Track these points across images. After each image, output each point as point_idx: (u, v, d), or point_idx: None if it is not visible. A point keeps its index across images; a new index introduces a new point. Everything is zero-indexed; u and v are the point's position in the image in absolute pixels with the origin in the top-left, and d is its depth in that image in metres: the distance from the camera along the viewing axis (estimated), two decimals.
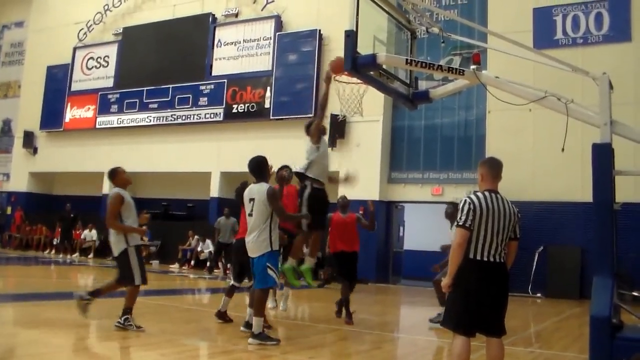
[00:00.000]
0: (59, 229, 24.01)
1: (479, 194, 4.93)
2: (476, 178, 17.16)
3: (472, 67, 6.85)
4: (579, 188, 15.44)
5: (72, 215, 23.66)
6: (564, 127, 5.93)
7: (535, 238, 15.81)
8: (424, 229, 18.85)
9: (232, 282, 8.66)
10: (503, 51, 8.63)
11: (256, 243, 7.05)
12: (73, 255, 22.89)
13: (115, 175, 7.91)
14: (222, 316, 8.45)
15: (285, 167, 9.70)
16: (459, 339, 4.80)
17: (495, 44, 12.10)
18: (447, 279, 4.92)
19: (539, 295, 15.58)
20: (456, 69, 7.04)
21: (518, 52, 8.25)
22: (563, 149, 6.54)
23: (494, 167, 5.15)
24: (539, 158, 16.30)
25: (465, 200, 4.89)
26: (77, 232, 23.57)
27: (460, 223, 4.81)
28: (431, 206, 17.68)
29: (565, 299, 14.76)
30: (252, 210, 7.19)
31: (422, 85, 8.27)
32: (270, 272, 6.92)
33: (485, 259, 4.80)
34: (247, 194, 7.38)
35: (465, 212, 4.82)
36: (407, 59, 6.88)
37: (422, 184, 18.37)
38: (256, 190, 7.26)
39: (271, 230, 7.04)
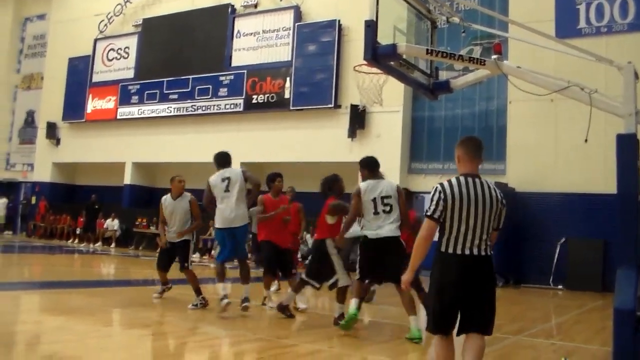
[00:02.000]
0: (82, 219, 24.25)
1: (453, 179, 4.34)
2: (497, 169, 17.19)
3: (494, 57, 6.78)
4: (601, 179, 15.26)
5: (96, 206, 23.90)
6: (587, 118, 5.85)
7: (557, 229, 15.66)
8: None
9: (304, 277, 7.94)
10: (524, 41, 8.55)
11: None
12: (96, 245, 23.09)
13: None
14: (284, 309, 7.99)
15: (279, 177, 9.70)
16: (437, 339, 4.37)
17: (516, 33, 11.98)
18: (407, 274, 4.47)
19: (560, 287, 15.41)
20: (477, 58, 6.96)
21: (540, 42, 8.15)
22: (586, 140, 6.45)
23: (471, 147, 4.46)
24: (561, 149, 16.10)
25: (436, 188, 4.31)
26: (100, 222, 23.75)
27: (428, 213, 4.26)
28: None
29: (587, 291, 14.60)
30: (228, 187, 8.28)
31: (443, 75, 8.14)
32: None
33: (461, 252, 4.23)
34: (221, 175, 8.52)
35: (434, 201, 4.27)
36: (427, 49, 6.81)
37: (442, 175, 18.21)
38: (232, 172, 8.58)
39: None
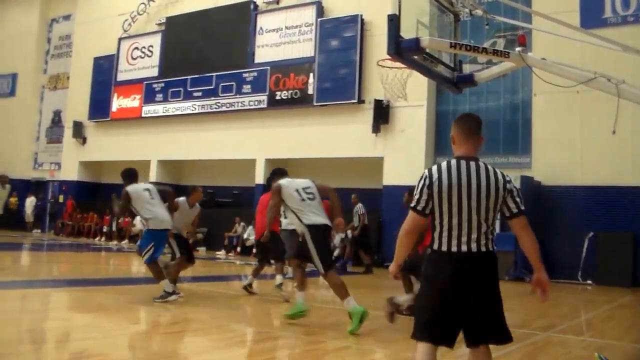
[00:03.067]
0: (108, 217, 24.48)
1: (443, 163, 3.70)
2: (522, 162, 17.05)
3: (518, 49, 6.71)
4: (629, 171, 15.08)
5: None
6: (614, 109, 5.77)
7: (585, 223, 15.45)
8: None
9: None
10: (549, 32, 8.45)
11: None
12: (122, 242, 23.27)
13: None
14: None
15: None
16: (420, 347, 3.64)
17: (540, 24, 11.88)
18: (392, 265, 3.91)
19: (589, 282, 15.17)
20: (501, 51, 6.91)
21: (564, 33, 8.06)
22: (614, 131, 6.38)
23: (465, 126, 3.81)
24: (588, 141, 15.87)
25: (422, 174, 3.71)
26: (126, 220, 23.92)
27: (412, 205, 3.68)
28: None
29: (617, 287, 14.37)
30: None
31: (466, 68, 8.08)
32: None
33: (455, 248, 3.57)
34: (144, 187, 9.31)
35: (418, 189, 3.67)
36: (451, 42, 6.77)
37: None
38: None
39: None
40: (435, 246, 3.64)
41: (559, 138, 16.32)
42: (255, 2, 22.30)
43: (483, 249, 3.59)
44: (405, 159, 18.17)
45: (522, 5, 12.18)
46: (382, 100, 18.33)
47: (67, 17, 30.25)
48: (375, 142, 18.94)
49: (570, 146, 16.12)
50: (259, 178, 21.37)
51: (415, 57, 6.79)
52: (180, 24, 24.24)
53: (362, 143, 19.16)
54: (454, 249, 3.58)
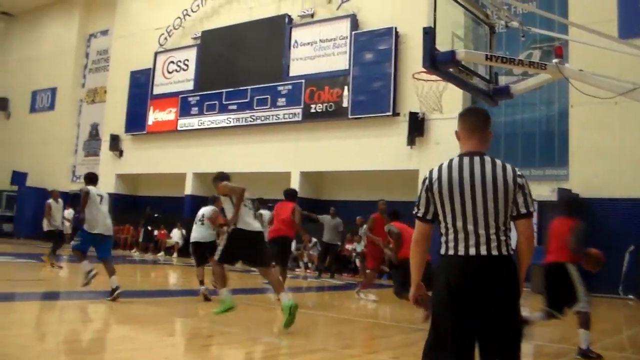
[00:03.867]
0: (141, 229, 24.76)
1: (445, 162, 3.40)
2: (559, 174, 16.82)
3: (554, 60, 6.68)
4: None
5: (155, 215, 24.40)
6: None
7: (625, 236, 15.15)
8: None
9: (547, 309, 7.13)
10: (586, 43, 8.37)
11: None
12: (158, 255, 23.50)
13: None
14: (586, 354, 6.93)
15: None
16: None
17: (577, 35, 11.76)
18: (412, 288, 3.49)
19: (630, 297, 14.89)
20: (538, 63, 6.88)
21: (601, 43, 7.99)
22: None
23: (470, 120, 3.49)
24: (626, 152, 15.61)
25: (424, 177, 3.44)
26: (162, 232, 24.17)
27: (414, 212, 3.43)
28: None
29: None
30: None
31: (502, 80, 8.06)
32: None
33: (463, 252, 3.22)
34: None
35: (418, 195, 3.42)
36: (486, 55, 6.75)
37: None
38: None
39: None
40: (443, 251, 3.31)
41: (597, 149, 16.10)
42: (289, 16, 22.48)
43: (494, 252, 3.20)
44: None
45: (558, 17, 12.11)
46: (417, 113, 18.31)
47: (104, 32, 30.82)
48: (410, 154, 18.91)
49: (609, 158, 15.88)
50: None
51: (451, 69, 6.78)
52: (216, 38, 24.53)
53: (396, 156, 19.13)
54: (461, 252, 3.23)
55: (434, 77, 10.76)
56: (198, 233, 10.91)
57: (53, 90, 32.19)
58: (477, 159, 3.31)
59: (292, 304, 7.43)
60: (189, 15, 25.66)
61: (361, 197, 20.39)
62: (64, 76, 31.64)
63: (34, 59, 32.88)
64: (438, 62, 6.41)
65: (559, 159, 16.91)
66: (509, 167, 3.31)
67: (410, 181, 18.82)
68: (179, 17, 25.91)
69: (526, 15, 14.78)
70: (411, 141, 18.75)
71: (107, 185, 27.72)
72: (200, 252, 10.75)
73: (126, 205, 27.45)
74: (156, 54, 26.63)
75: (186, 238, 23.43)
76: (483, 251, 3.20)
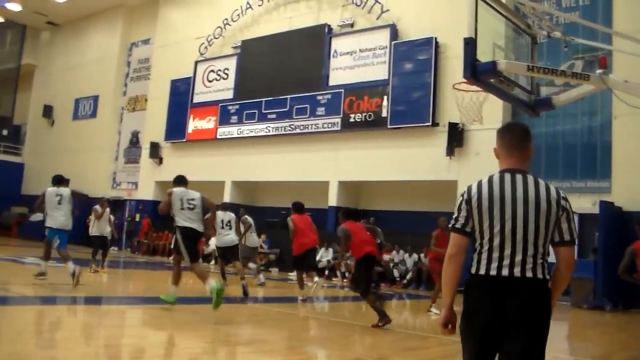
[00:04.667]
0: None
1: (484, 178, 3.27)
2: (601, 187, 16.60)
3: (598, 71, 6.62)
4: None
5: None
6: None
7: None
8: None
9: None
10: (630, 53, 8.27)
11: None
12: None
13: None
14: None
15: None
16: None
17: (621, 45, 11.62)
18: (443, 311, 3.28)
19: None
20: (581, 74, 6.82)
21: None
22: None
23: (508, 137, 3.35)
24: None
25: (463, 191, 3.32)
26: (201, 240, 24.33)
27: (451, 224, 3.29)
28: None
29: None
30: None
31: (543, 91, 8.00)
32: None
33: (495, 272, 3.09)
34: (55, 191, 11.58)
35: (457, 207, 3.30)
36: (528, 65, 6.72)
37: None
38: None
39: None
40: (473, 270, 3.17)
41: None
42: (329, 26, 22.60)
43: (530, 274, 3.06)
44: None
45: (601, 26, 11.97)
46: (457, 124, 18.23)
47: (146, 41, 31.29)
48: (449, 165, 18.84)
49: None
50: (332, 200, 21.50)
51: (492, 80, 6.77)
52: (255, 47, 24.77)
53: (435, 166, 19.06)
54: (493, 272, 3.08)
55: (474, 87, 10.73)
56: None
57: (95, 98, 32.77)
58: (519, 176, 3.19)
59: (219, 287, 8.76)
60: (229, 25, 25.94)
61: (399, 207, 20.38)
62: (106, 84, 32.19)
63: (78, 68, 33.56)
64: (479, 73, 6.40)
65: (601, 171, 16.66)
66: (552, 188, 3.19)
67: (449, 192, 18.72)
68: (219, 27, 26.21)
69: (569, 25, 14.63)
70: (450, 152, 18.68)
71: (146, 192, 28.21)
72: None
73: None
74: (196, 62, 26.95)
75: None
76: (516, 272, 3.05)
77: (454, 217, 3.27)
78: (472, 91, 12.57)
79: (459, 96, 13.19)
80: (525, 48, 7.66)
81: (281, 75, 23.42)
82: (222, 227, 13.17)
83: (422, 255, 18.31)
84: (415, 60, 19.94)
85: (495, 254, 3.09)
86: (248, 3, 25.32)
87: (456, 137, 18.57)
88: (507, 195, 3.13)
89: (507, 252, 3.07)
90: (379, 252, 10.92)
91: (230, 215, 13.42)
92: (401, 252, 19.38)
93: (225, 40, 26.20)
